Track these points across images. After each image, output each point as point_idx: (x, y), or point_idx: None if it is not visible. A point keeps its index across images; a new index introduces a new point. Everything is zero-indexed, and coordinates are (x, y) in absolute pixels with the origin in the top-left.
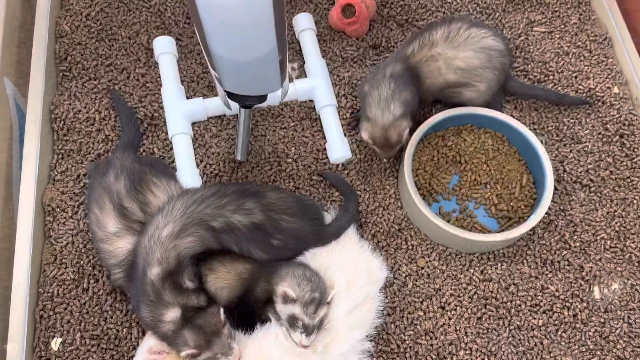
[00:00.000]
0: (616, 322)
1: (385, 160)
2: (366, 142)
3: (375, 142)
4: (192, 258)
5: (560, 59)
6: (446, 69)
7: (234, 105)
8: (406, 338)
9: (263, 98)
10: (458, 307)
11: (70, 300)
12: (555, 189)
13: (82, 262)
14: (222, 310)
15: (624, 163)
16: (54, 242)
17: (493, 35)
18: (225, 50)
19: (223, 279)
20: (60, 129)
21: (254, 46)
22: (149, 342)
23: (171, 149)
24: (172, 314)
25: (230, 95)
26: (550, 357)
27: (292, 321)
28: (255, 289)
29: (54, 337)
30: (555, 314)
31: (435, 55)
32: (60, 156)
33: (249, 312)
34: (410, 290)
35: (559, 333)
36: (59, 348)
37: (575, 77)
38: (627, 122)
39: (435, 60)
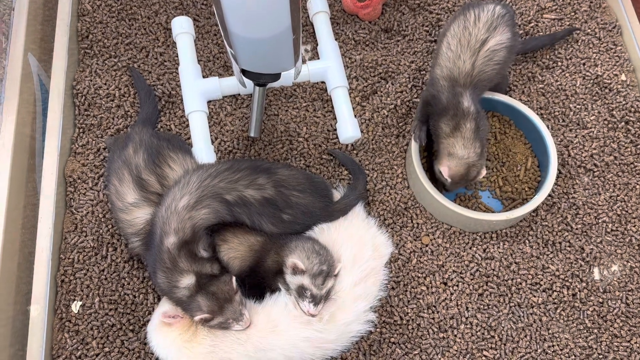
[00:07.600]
0: (614, 302)
1: (448, 190)
2: (440, 176)
3: (453, 179)
4: (207, 229)
5: (569, 45)
6: (508, 54)
7: (249, 84)
8: (409, 311)
9: (277, 76)
10: (460, 284)
11: (90, 266)
12: (560, 172)
13: (101, 231)
14: (234, 278)
15: (629, 149)
16: (74, 211)
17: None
18: (241, 29)
19: (235, 250)
20: (81, 104)
21: (269, 25)
22: (164, 307)
23: (187, 126)
24: (187, 281)
25: (246, 73)
26: (549, 333)
27: (301, 291)
28: (265, 260)
29: (74, 300)
30: (555, 293)
31: (497, 49)
32: (81, 130)
33: (259, 282)
34: (414, 266)
35: (558, 311)
36: (78, 311)
37: (584, 64)
38: (633, 109)
39: (498, 57)
